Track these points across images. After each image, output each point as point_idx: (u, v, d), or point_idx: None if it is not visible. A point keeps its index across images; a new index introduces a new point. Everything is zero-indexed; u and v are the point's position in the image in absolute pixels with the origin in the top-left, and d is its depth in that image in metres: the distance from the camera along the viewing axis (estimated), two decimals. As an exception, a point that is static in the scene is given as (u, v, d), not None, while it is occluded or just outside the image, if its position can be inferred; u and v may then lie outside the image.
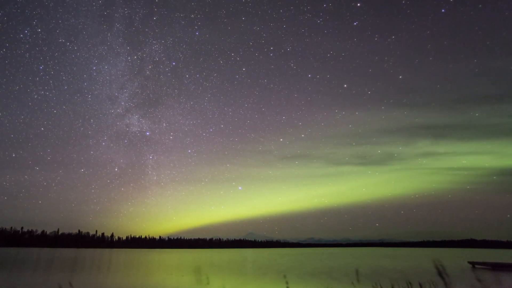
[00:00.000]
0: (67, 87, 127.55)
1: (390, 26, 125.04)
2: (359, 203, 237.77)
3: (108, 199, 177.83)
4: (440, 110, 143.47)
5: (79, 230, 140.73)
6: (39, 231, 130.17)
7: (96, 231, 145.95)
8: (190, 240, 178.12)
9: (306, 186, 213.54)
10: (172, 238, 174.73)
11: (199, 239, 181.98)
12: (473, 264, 23.83)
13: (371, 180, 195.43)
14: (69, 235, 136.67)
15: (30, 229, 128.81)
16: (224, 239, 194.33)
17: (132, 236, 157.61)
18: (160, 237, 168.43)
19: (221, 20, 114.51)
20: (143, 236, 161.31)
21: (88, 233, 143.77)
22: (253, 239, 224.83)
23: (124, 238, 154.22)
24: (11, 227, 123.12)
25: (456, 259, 35.74)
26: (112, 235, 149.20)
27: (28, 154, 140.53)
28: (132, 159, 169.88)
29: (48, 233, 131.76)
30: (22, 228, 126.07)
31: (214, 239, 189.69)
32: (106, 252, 76.13)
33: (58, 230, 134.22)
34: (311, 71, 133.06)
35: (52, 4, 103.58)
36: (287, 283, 14.11)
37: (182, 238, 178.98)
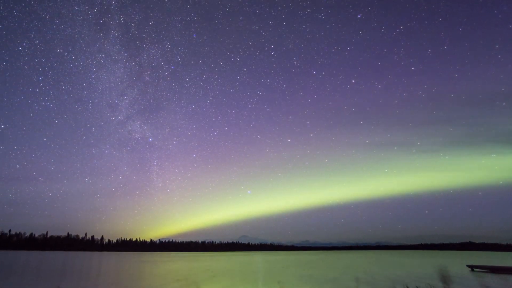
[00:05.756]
0: (67, 97, 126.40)
1: (398, 16, 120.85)
2: (366, 203, 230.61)
3: (113, 207, 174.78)
4: (460, 102, 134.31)
5: (68, 233, 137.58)
6: (27, 234, 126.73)
7: (86, 233, 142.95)
8: (182, 243, 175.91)
9: (317, 187, 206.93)
10: (163, 241, 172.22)
11: (191, 242, 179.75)
12: (472, 267, 23.96)
13: (386, 179, 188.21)
14: (58, 238, 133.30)
15: (18, 232, 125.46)
16: (217, 242, 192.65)
17: (123, 239, 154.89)
18: (151, 240, 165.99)
19: (218, 21, 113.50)
20: (133, 239, 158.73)
21: (77, 235, 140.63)
22: (246, 242, 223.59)
23: (114, 241, 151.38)
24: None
25: (455, 263, 35.97)
26: (102, 238, 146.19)
27: (32, 165, 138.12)
28: (136, 166, 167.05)
29: (36, 235, 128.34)
30: (10, 230, 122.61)
31: (206, 242, 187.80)
32: (96, 255, 74.47)
33: (47, 233, 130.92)
34: (316, 68, 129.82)
35: (48, 16, 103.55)
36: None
37: (174, 241, 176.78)
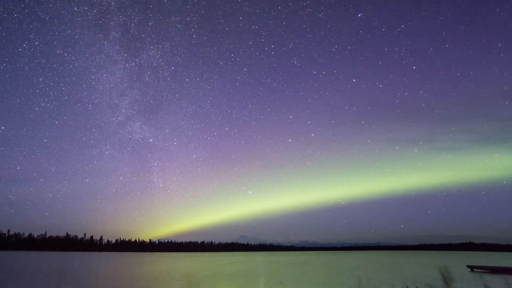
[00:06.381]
0: (67, 98, 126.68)
1: (398, 14, 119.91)
2: (368, 203, 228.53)
3: (114, 208, 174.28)
4: (462, 100, 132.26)
5: (67, 233, 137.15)
6: (26, 234, 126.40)
7: (85, 234, 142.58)
8: (181, 243, 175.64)
9: (318, 187, 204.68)
10: (162, 242, 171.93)
11: (190, 243, 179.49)
12: (472, 268, 24.02)
13: (388, 178, 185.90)
14: (57, 238, 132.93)
15: (17, 232, 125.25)
16: (216, 242, 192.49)
17: (121, 239, 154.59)
18: (150, 240, 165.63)
19: (218, 21, 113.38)
20: (132, 240, 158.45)
21: (76, 236, 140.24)
22: (245, 242, 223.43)
23: (113, 241, 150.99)
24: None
25: (454, 263, 35.98)
26: (101, 238, 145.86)
27: (33, 166, 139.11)
28: (137, 167, 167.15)
29: (35, 236, 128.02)
30: (8, 231, 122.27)
31: (205, 242, 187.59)
32: (95, 255, 74.31)
33: (45, 233, 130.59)
34: (316, 68, 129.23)
35: (48, 17, 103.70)
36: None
37: (173, 241, 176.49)
